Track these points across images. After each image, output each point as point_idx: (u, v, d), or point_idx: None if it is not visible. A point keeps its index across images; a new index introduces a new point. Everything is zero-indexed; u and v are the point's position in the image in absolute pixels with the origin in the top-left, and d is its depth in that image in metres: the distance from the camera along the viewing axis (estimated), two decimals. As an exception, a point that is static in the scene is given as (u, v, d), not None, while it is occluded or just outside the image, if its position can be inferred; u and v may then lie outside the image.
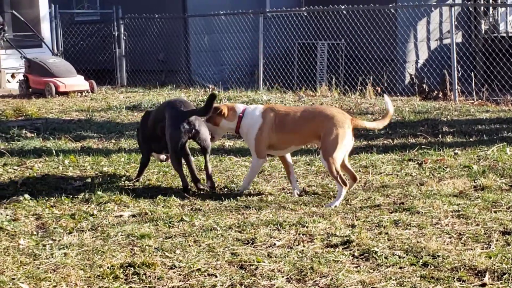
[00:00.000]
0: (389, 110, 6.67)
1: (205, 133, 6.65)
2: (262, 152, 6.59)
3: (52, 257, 4.88)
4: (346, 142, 6.37)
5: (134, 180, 7.09)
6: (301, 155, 8.18)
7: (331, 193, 6.57)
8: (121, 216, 5.92)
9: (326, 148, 6.33)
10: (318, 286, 4.40)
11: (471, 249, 4.95)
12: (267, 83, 15.33)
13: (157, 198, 6.43)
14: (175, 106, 6.71)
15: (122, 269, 4.65)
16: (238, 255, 4.90)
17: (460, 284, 4.36)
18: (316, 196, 6.52)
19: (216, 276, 4.55)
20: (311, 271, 4.60)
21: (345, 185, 6.34)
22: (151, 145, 7.09)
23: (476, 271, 4.54)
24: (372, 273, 4.57)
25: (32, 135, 9.56)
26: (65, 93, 14.32)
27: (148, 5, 18.16)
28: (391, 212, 5.88)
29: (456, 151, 8.15)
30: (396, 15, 16.49)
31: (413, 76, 16.05)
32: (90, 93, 14.63)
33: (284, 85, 15.31)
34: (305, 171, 7.49)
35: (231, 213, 5.96)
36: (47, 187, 6.79)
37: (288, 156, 6.78)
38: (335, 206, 6.13)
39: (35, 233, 5.48)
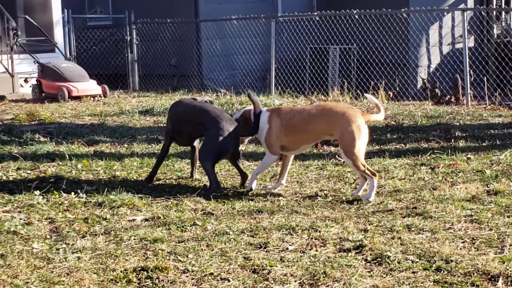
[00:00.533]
0: (377, 103, 6.80)
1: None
2: (275, 149, 6.76)
3: (66, 261, 4.90)
4: (363, 135, 6.50)
5: (147, 183, 7.13)
6: (313, 159, 8.18)
7: (344, 198, 6.56)
8: (134, 220, 5.93)
9: (346, 146, 6.48)
10: (331, 291, 4.40)
11: (485, 254, 4.94)
12: (279, 88, 15.34)
13: (170, 202, 6.45)
14: (224, 119, 6.93)
15: (135, 273, 4.66)
16: (251, 260, 4.91)
17: (474, 289, 4.35)
18: (328, 200, 6.51)
19: (229, 280, 4.56)
20: (324, 275, 4.60)
21: (375, 175, 6.49)
22: (175, 135, 7.28)
23: (489, 276, 4.53)
24: (385, 277, 4.56)
25: (45, 139, 9.59)
26: (78, 98, 14.37)
27: (160, 10, 18.21)
28: (404, 217, 5.88)
29: (468, 155, 8.13)
30: (409, 20, 16.46)
31: (425, 80, 16.00)
32: (103, 98, 14.68)
33: (296, 90, 15.31)
34: (317, 176, 7.49)
35: (243, 218, 5.97)
36: (60, 191, 6.82)
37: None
38: (372, 199, 6.37)
39: (48, 237, 5.51)
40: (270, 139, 6.73)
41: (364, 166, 6.49)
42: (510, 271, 4.55)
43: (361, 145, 6.50)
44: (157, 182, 7.23)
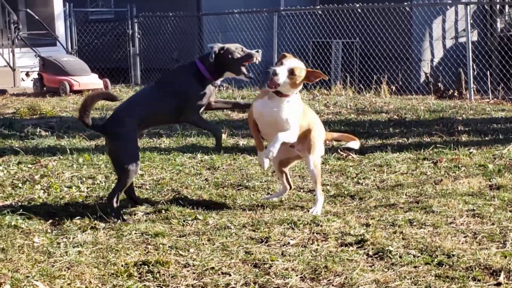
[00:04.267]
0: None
1: None
2: None
3: (67, 255, 4.88)
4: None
5: None
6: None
7: (345, 192, 6.53)
8: (135, 214, 5.91)
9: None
10: (332, 285, 4.38)
11: (486, 249, 4.91)
12: (282, 82, 15.28)
13: (172, 197, 6.44)
14: None
15: (136, 267, 4.65)
16: (252, 254, 4.89)
17: (475, 283, 4.33)
18: (330, 195, 6.48)
19: (230, 275, 4.54)
20: (325, 270, 4.58)
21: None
22: None
23: (491, 271, 4.51)
24: (386, 272, 4.54)
25: (47, 133, 9.59)
26: (80, 92, 14.37)
27: (162, 4, 18.19)
28: (406, 211, 5.85)
29: (471, 150, 8.10)
30: (411, 13, 16.43)
31: (428, 74, 15.97)
32: (105, 92, 14.66)
33: (298, 84, 15.26)
34: (319, 170, 7.45)
35: (244, 212, 5.95)
36: (61, 185, 6.81)
37: None
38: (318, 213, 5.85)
39: (49, 231, 5.50)
40: None
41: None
42: (513, 265, 4.53)
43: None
44: (159, 176, 7.22)
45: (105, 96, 6.50)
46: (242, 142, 9.00)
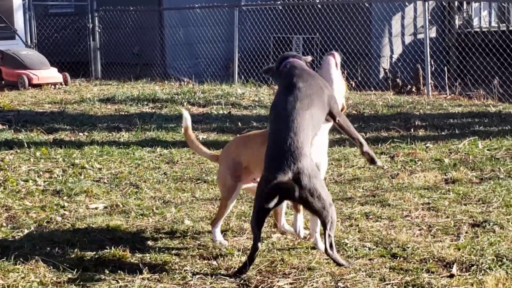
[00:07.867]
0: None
1: None
2: None
3: (21, 248, 4.84)
4: None
5: None
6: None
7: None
8: (92, 208, 5.89)
9: None
10: (288, 278, 4.41)
11: (440, 241, 4.99)
12: (242, 77, 15.31)
13: (129, 190, 6.42)
14: None
15: (91, 261, 4.63)
16: (209, 247, 4.90)
17: (429, 275, 4.39)
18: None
19: (187, 267, 4.54)
20: (282, 262, 4.61)
21: None
22: None
23: (444, 263, 4.57)
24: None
25: (4, 127, 9.49)
26: (38, 86, 14.22)
27: (123, -2, 18.06)
28: (362, 205, 5.91)
29: (427, 144, 8.20)
30: (371, 9, 16.53)
31: (387, 70, 16.09)
32: (64, 86, 14.54)
33: (259, 79, 15.28)
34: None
35: (203, 206, 5.95)
36: (18, 179, 6.74)
37: None
38: None
39: (4, 225, 5.45)
40: None
41: None
42: (465, 257, 4.60)
43: None
44: (117, 170, 7.18)
45: None
46: (202, 136, 9.00)
